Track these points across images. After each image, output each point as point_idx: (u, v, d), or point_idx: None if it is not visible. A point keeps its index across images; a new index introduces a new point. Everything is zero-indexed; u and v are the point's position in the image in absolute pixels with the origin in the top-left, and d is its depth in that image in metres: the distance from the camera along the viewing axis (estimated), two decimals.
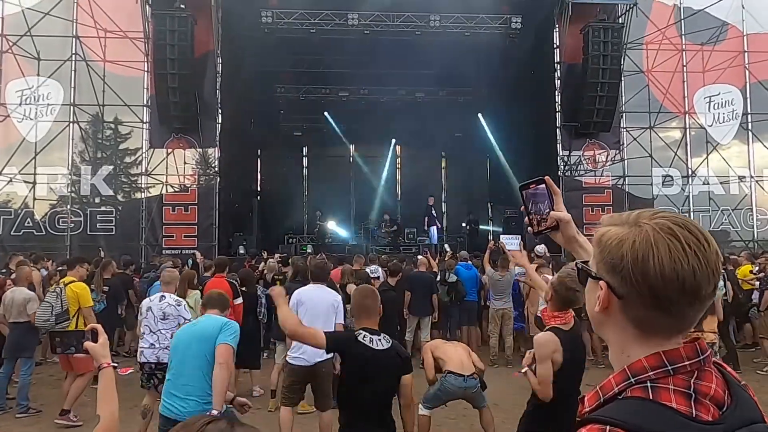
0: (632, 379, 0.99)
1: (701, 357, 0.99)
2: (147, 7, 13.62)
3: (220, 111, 14.28)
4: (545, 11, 14.54)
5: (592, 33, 13.88)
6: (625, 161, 15.28)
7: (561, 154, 14.98)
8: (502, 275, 8.59)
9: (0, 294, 7.07)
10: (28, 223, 14.09)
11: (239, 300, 7.21)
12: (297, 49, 15.38)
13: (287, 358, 5.59)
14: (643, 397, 0.97)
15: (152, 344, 5.51)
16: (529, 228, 1.51)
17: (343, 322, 5.56)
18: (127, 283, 9.33)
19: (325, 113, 19.56)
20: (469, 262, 10.05)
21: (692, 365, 0.98)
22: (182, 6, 13.23)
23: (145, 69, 13.97)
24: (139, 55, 13.95)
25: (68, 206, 14.30)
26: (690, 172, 15.68)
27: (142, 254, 13.44)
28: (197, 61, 13.51)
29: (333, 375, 5.32)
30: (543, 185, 1.49)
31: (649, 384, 0.97)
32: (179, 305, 5.52)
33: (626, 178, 15.23)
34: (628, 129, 15.33)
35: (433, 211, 17.14)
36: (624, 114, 15.24)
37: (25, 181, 14.18)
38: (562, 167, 14.94)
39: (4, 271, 9.23)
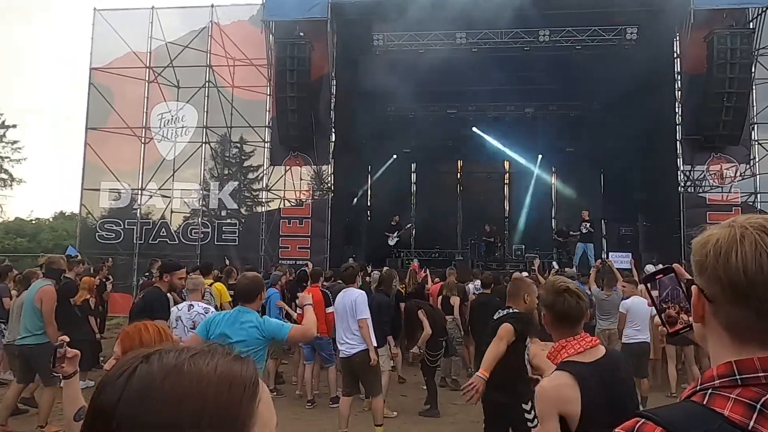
0: (698, 387, 0.96)
1: None
2: (270, 36, 14.83)
3: (333, 130, 15.15)
4: (664, 20, 13.87)
5: (718, 40, 13.02)
6: (757, 176, 14.04)
7: (682, 168, 14.14)
8: (608, 294, 8.32)
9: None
10: (164, 233, 15.69)
11: (331, 309, 7.61)
12: (406, 69, 15.90)
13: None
14: (697, 401, 0.94)
15: None
16: (661, 328, 1.28)
17: (365, 316, 6.05)
18: None
19: (434, 130, 19.91)
20: (578, 280, 9.82)
21: None
22: (301, 34, 14.25)
23: (268, 93, 15.16)
24: (262, 81, 15.18)
25: (199, 218, 15.78)
26: None
27: (261, 264, 14.47)
28: (314, 84, 14.47)
29: (373, 365, 6.06)
30: (672, 274, 1.22)
31: (710, 391, 0.94)
32: (207, 312, 5.48)
33: (758, 195, 13.99)
34: (760, 141, 14.11)
35: (583, 227, 15.11)
36: (756, 125, 14.05)
37: (163, 196, 15.87)
38: (684, 183, 14.09)
39: (147, 274, 10.47)
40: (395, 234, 17.09)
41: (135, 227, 15.65)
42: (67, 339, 2.16)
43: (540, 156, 20.41)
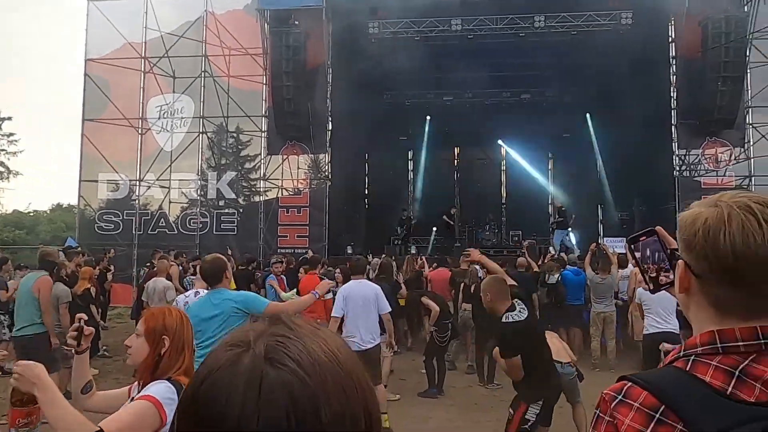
0: (681, 353, 1.01)
1: (762, 341, 0.96)
2: (266, 25, 14.81)
3: (330, 118, 15.18)
4: (659, 5, 13.87)
5: (713, 24, 13.06)
6: (752, 160, 14.13)
7: (677, 152, 14.24)
8: (603, 278, 8.47)
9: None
10: (162, 223, 15.74)
11: (330, 296, 7.72)
12: (402, 56, 15.90)
13: None
14: (681, 367, 0.99)
15: None
16: (644, 285, 1.37)
17: (388, 311, 6.18)
18: (248, 278, 10.29)
19: (430, 117, 19.94)
20: (578, 266, 9.94)
21: (747, 347, 0.96)
22: (296, 23, 14.23)
23: (264, 82, 15.17)
24: (258, 70, 15.18)
25: (197, 209, 15.84)
26: None
27: (260, 253, 14.54)
28: (310, 73, 14.46)
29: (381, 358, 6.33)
30: (654, 236, 1.26)
31: (692, 357, 0.99)
32: None
33: (753, 178, 14.08)
34: (755, 125, 14.16)
35: (557, 215, 15.97)
36: (750, 109, 14.11)
37: (161, 186, 15.90)
38: (679, 167, 14.19)
39: (148, 265, 10.57)
40: (404, 227, 17.32)
41: (134, 218, 15.71)
42: (86, 317, 2.27)
43: (537, 142, 20.44)
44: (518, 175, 21.34)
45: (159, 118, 15.88)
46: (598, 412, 1.02)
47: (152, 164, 15.79)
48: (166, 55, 15.52)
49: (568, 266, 10.01)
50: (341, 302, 6.17)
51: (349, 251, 14.77)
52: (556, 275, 9.34)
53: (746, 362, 0.95)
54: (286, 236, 15.01)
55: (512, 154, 21.46)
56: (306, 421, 0.58)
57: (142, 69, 15.81)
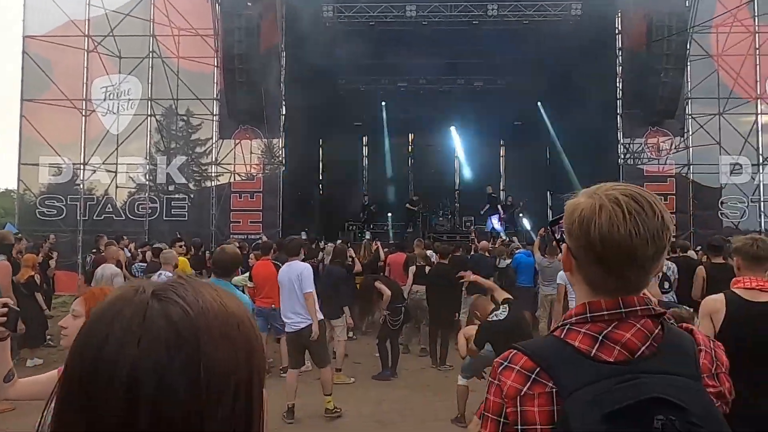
0: (559, 323, 1.18)
1: (622, 310, 1.11)
2: (217, 5, 14.42)
3: (284, 103, 14.98)
4: None
5: (656, 18, 13.55)
6: (690, 149, 14.83)
7: (622, 141, 14.77)
8: (550, 261, 8.75)
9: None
10: (109, 208, 15.25)
11: None
12: (357, 41, 15.84)
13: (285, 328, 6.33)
14: (557, 335, 1.15)
15: None
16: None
17: (311, 290, 6.05)
18: (200, 263, 10.13)
19: (384, 103, 19.97)
20: (529, 249, 10.23)
21: (611, 315, 1.11)
22: (249, 4, 13.90)
23: (215, 64, 14.80)
24: (209, 52, 14.78)
25: (146, 194, 15.40)
26: (761, 160, 15.01)
27: (212, 239, 14.29)
28: (263, 56, 14.18)
29: (323, 337, 6.32)
30: None
31: (567, 326, 1.14)
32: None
33: (691, 167, 14.79)
34: (694, 116, 14.83)
35: (488, 200, 17.40)
36: (690, 100, 14.75)
37: (108, 171, 15.36)
38: (623, 155, 14.73)
39: (94, 251, 10.23)
40: (365, 213, 17.44)
41: (78, 203, 15.15)
42: (11, 301, 2.14)
43: (489, 129, 20.77)
44: (471, 161, 21.67)
45: (104, 100, 15.29)
46: (490, 379, 1.18)
47: (97, 147, 15.21)
48: (111, 34, 14.88)
49: (519, 249, 10.31)
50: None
51: (304, 237, 14.70)
52: (507, 260, 9.62)
53: (609, 328, 1.10)
54: (239, 222, 14.82)
55: (465, 140, 21.77)
56: (184, 348, 0.59)
57: (86, 48, 15.16)
